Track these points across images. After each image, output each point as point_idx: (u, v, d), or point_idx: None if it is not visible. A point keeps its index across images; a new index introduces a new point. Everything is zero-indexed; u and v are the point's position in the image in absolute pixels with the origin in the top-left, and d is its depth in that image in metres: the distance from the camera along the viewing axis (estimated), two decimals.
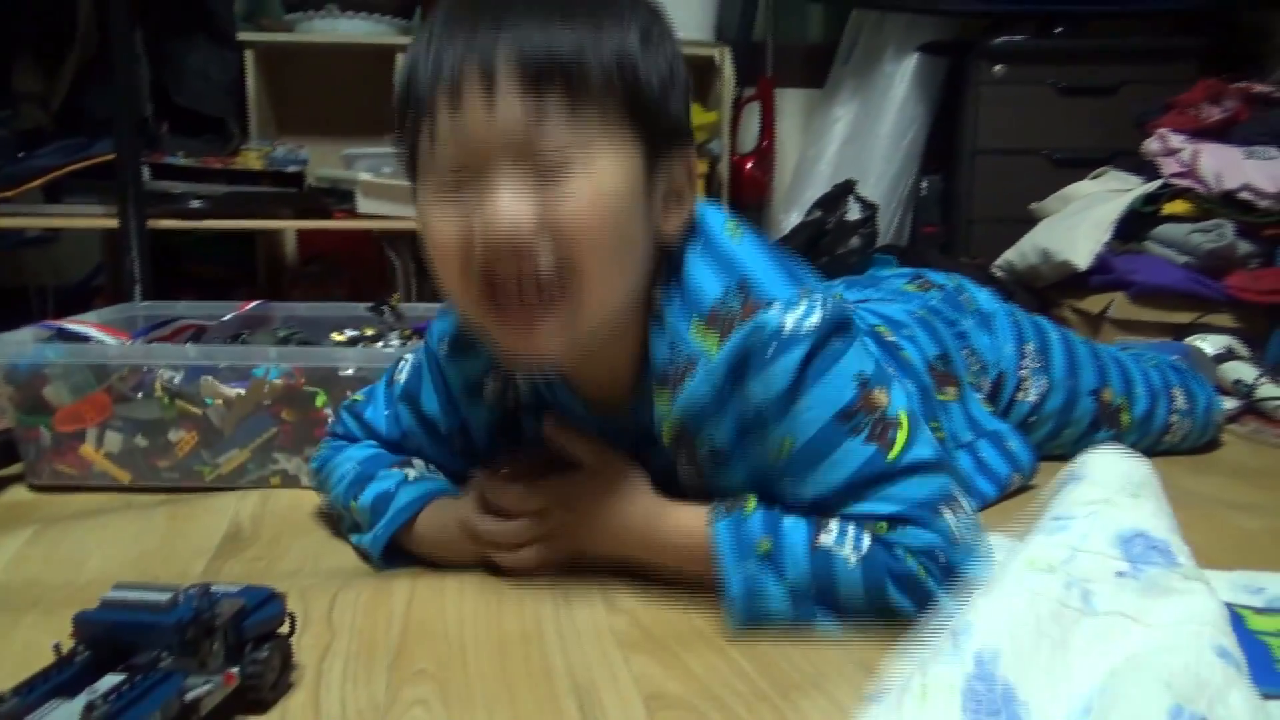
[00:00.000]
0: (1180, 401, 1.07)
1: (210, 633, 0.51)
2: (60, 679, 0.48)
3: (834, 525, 0.64)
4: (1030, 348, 1.00)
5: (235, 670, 0.52)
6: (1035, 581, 0.51)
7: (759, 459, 0.67)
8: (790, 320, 0.63)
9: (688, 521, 0.68)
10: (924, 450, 0.65)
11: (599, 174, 0.60)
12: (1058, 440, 1.03)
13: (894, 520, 0.63)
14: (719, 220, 0.69)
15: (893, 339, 0.89)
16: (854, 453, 0.64)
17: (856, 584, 0.63)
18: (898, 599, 0.62)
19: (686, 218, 0.67)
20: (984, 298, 1.03)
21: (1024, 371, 0.99)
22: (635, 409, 0.71)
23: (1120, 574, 0.51)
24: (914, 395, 0.86)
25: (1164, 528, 0.55)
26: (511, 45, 0.58)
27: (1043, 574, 0.52)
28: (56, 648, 0.50)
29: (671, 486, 0.72)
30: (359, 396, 0.86)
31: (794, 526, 0.65)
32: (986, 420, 0.93)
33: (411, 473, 0.78)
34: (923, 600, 0.62)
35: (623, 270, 0.63)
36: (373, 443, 0.83)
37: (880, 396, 0.65)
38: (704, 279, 0.66)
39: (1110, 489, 0.58)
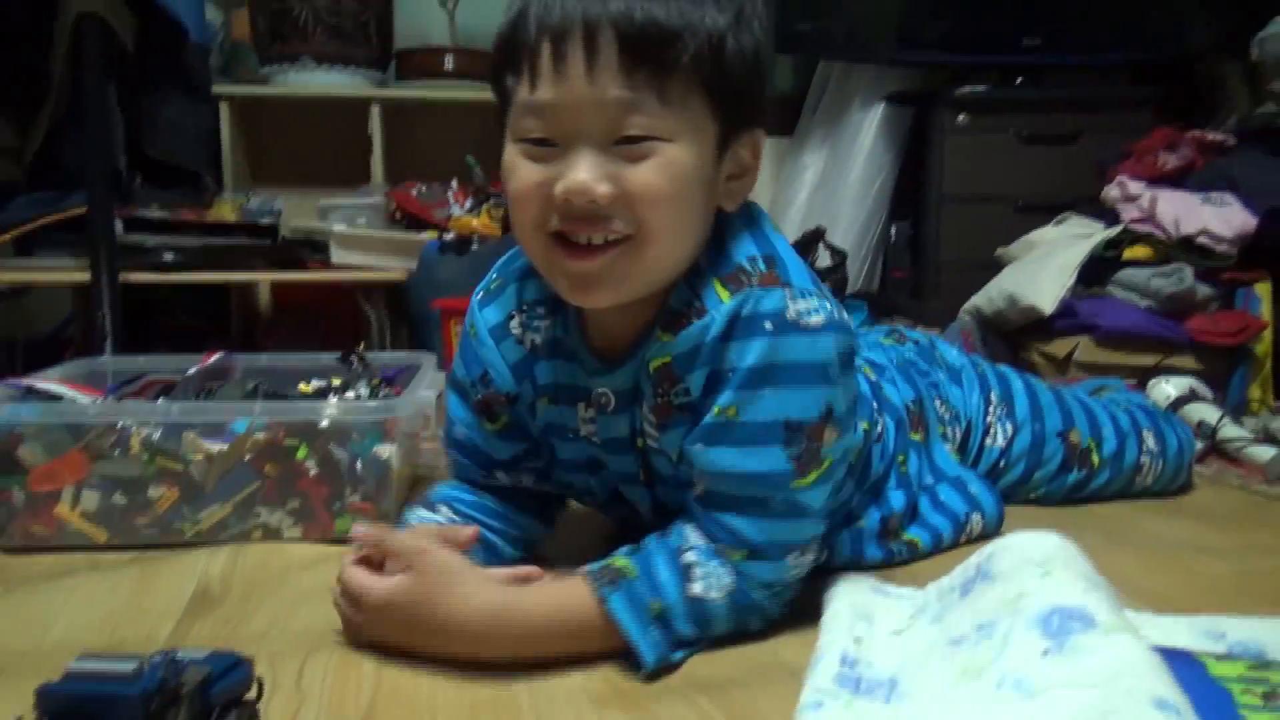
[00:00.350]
0: (1151, 442, 1.10)
1: (176, 702, 0.50)
2: None
3: (695, 557, 0.68)
4: (994, 395, 1.04)
5: None
6: (968, 692, 0.53)
7: (701, 420, 0.69)
8: (795, 308, 0.67)
9: (555, 600, 0.67)
10: (819, 497, 0.70)
11: (676, 155, 0.64)
12: (1030, 483, 1.05)
13: (754, 551, 0.69)
14: (765, 215, 0.75)
15: (874, 379, 0.92)
16: (770, 457, 0.68)
17: (723, 618, 0.69)
18: (749, 624, 0.71)
19: (748, 192, 0.72)
20: (953, 354, 1.08)
21: (990, 418, 1.03)
22: (634, 355, 0.73)
23: (1046, 652, 0.53)
24: (890, 429, 0.89)
25: (1077, 593, 0.57)
26: (615, 13, 0.61)
27: (973, 682, 0.54)
28: None
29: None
30: None
31: (668, 578, 0.67)
32: (949, 467, 0.95)
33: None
34: (765, 622, 0.71)
35: (685, 237, 0.69)
36: (454, 482, 0.85)
37: (830, 434, 0.69)
38: (738, 247, 0.70)
39: (1020, 581, 0.60)
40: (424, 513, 0.81)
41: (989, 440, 1.03)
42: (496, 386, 0.79)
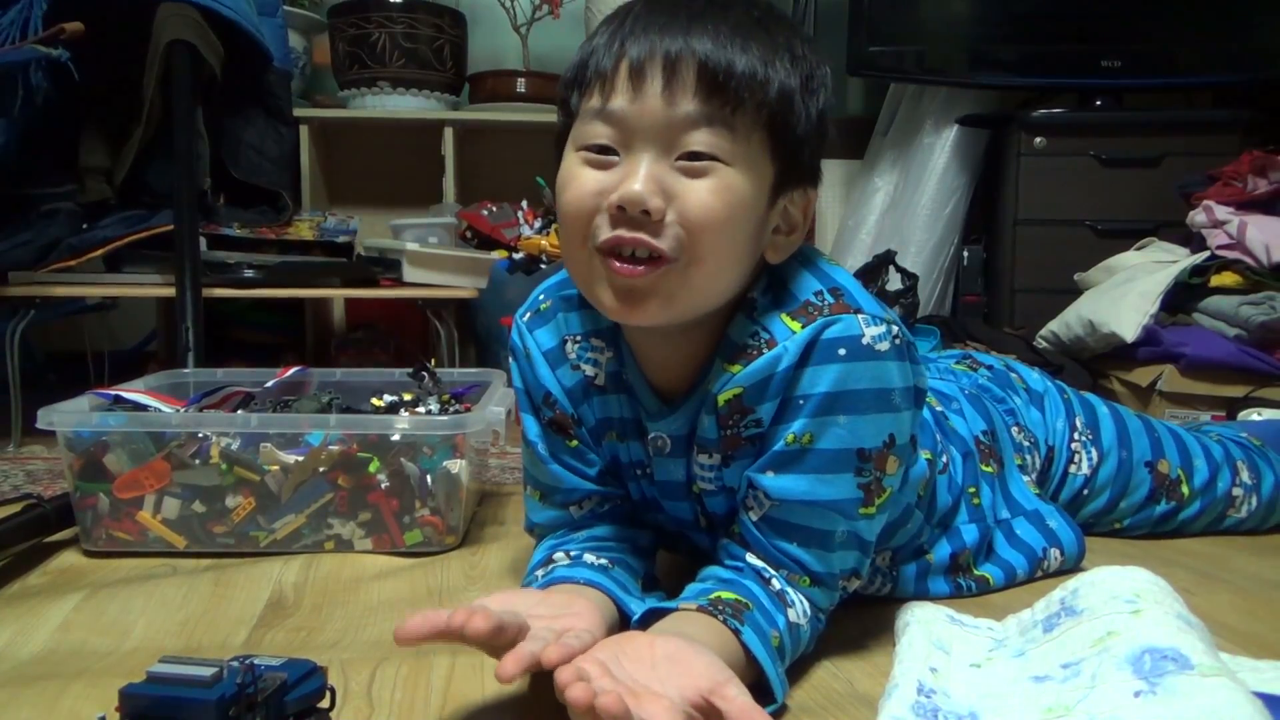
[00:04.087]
0: (1245, 475, 1.05)
1: (252, 708, 0.51)
2: None
3: (780, 584, 0.68)
4: (1080, 421, 1.01)
5: None
6: None
7: (767, 448, 0.68)
8: (870, 333, 0.66)
9: (711, 641, 0.61)
10: (877, 527, 0.71)
11: (734, 180, 0.65)
12: (1115, 513, 1.02)
13: (815, 579, 0.69)
14: (820, 252, 0.75)
15: (939, 409, 0.90)
16: (844, 485, 0.68)
17: (804, 645, 0.69)
18: (807, 651, 0.70)
19: (793, 250, 0.72)
20: (1034, 378, 1.05)
21: (1075, 445, 1.00)
22: (693, 394, 0.72)
23: (1138, 693, 0.51)
24: (956, 460, 0.87)
25: (1170, 633, 0.55)
26: (696, 51, 0.63)
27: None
28: None
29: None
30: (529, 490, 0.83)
31: (772, 607, 0.67)
32: (1027, 500, 0.92)
33: (561, 557, 0.76)
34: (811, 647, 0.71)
35: (730, 267, 0.68)
36: (556, 534, 0.80)
37: (893, 464, 0.69)
38: (800, 285, 0.70)
39: (1108, 619, 0.58)
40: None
41: (1073, 467, 1.00)
42: (562, 407, 0.78)
